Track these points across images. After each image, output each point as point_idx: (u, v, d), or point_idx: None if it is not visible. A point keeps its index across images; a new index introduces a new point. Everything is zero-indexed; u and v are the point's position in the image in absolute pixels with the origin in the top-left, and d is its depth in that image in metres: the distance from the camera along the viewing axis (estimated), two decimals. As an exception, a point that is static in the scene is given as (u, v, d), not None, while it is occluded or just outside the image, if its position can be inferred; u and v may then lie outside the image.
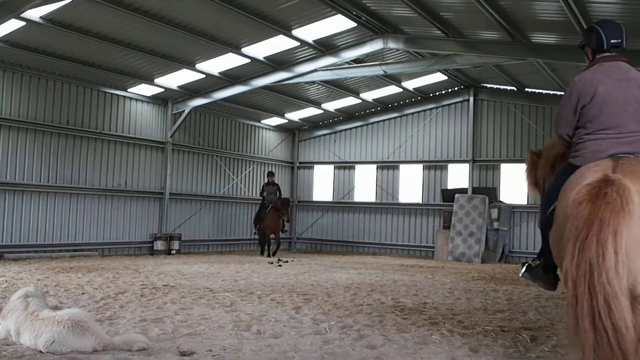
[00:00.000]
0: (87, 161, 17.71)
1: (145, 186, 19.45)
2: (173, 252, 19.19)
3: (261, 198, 20.00)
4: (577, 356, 3.35)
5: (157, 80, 18.19)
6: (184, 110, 19.88)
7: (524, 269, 5.25)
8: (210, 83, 18.77)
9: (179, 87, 18.92)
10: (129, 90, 18.72)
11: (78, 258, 16.38)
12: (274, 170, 24.65)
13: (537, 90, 20.66)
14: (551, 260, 4.51)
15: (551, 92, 20.32)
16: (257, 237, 20.60)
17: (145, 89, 18.87)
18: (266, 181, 20.62)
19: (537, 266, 5.08)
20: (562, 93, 19.48)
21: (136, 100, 19.18)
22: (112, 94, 18.37)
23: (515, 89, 20.85)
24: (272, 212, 19.16)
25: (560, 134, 4.71)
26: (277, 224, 19.24)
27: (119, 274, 12.21)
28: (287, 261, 17.27)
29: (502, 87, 21.30)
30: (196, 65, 17.18)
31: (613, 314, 3.21)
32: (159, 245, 19.04)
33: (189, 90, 19.35)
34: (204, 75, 17.91)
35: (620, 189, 3.40)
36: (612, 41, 4.65)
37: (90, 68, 16.64)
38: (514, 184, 21.14)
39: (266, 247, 19.49)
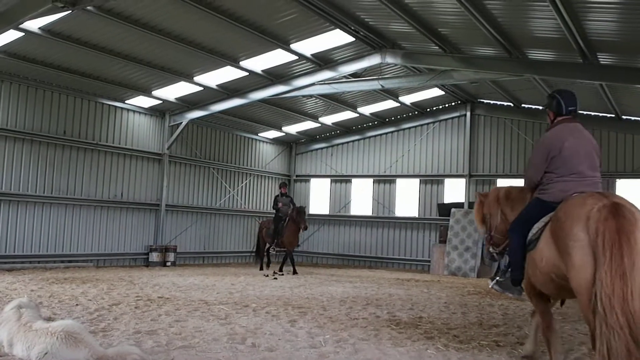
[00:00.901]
0: (83, 172, 17.69)
1: (142, 198, 19.42)
2: (168, 264, 19.13)
3: (274, 210, 18.82)
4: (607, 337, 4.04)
5: (154, 92, 18.22)
6: (181, 122, 19.91)
7: (494, 282, 6.15)
8: (208, 95, 18.81)
9: (176, 99, 18.95)
10: (126, 101, 18.74)
11: (72, 269, 16.32)
12: (271, 184, 24.71)
13: (533, 106, 20.74)
14: (520, 274, 5.59)
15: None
16: (268, 251, 18.98)
17: (142, 101, 18.90)
18: (279, 193, 19.54)
19: (506, 279, 5.97)
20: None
21: (133, 111, 19.19)
22: (109, 105, 18.39)
23: (511, 104, 20.94)
24: (291, 225, 18.06)
25: (530, 177, 5.75)
26: (296, 237, 18.21)
27: (113, 286, 12.16)
28: (282, 274, 17.22)
29: (498, 102, 21.40)
30: (194, 78, 17.22)
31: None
32: (154, 256, 18.99)
33: (187, 103, 19.38)
34: (201, 88, 17.95)
35: (628, 208, 4.48)
36: (569, 108, 5.72)
37: (88, 79, 16.67)
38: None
39: (290, 262, 18.12)
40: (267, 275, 16.54)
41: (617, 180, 19.63)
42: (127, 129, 19.03)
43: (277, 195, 19.14)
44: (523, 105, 20.88)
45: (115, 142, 18.62)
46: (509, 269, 5.86)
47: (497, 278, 6.15)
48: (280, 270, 17.82)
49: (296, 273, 17.41)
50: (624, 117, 19.28)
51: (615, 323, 4.01)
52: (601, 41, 12.37)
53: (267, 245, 18.75)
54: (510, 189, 6.48)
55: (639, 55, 12.95)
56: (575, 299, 4.87)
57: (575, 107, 5.76)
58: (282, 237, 18.04)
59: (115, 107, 18.61)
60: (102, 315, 8.19)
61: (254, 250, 20.39)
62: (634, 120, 19.32)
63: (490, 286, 6.29)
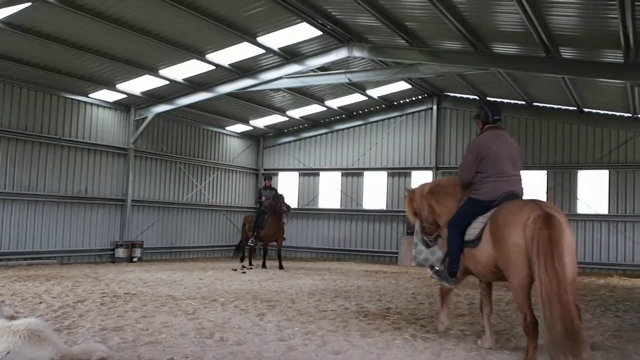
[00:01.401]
0: (46, 167, 17.36)
1: (107, 193, 19.14)
2: (135, 259, 18.91)
3: (258, 204, 18.34)
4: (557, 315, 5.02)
5: (119, 86, 17.95)
6: (147, 117, 19.66)
7: (433, 271, 6.90)
8: (174, 89, 18.61)
9: (142, 93, 18.71)
10: (90, 95, 18.42)
11: (36, 266, 16.04)
12: (239, 178, 24.58)
13: (498, 100, 21.00)
14: (457, 267, 6.47)
15: (512, 102, 20.69)
16: (250, 244, 18.32)
17: (107, 95, 18.60)
18: (263, 185, 18.83)
19: (443, 270, 6.69)
20: (523, 102, 19.96)
21: (97, 105, 18.89)
22: (72, 99, 18.06)
23: (477, 97, 21.18)
24: (272, 219, 17.31)
25: (463, 177, 6.65)
26: (277, 230, 17.48)
27: (78, 283, 11.99)
28: (251, 268, 17.19)
29: (464, 96, 21.63)
30: (160, 71, 17.01)
31: (572, 294, 5.20)
32: (121, 252, 18.75)
33: (152, 97, 19.15)
34: (167, 82, 17.75)
35: (558, 219, 5.34)
36: (495, 117, 6.69)
37: (50, 73, 16.33)
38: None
39: (263, 256, 18.03)
40: (236, 270, 16.47)
41: (578, 171, 20.02)
42: (91, 124, 18.72)
43: (261, 189, 18.62)
44: (488, 98, 21.12)
45: (79, 136, 18.30)
46: (447, 262, 6.64)
47: (436, 267, 6.94)
48: (281, 265, 17.29)
49: (265, 267, 17.24)
50: (585, 109, 19.66)
51: (557, 312, 5.00)
52: (564, 36, 12.58)
53: (250, 240, 18.23)
54: (433, 185, 7.38)
55: (599, 49, 13.22)
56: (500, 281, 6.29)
57: (500, 116, 6.71)
58: (262, 229, 17.49)
59: (79, 101, 18.28)
60: (67, 312, 8.08)
61: (237, 244, 20.15)
62: (595, 113, 19.72)
63: (429, 275, 7.08)
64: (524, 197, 6.35)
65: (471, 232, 6.22)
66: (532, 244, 5.28)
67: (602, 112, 19.61)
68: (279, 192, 18.46)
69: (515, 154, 6.57)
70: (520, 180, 6.57)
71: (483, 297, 6.79)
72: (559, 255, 5.16)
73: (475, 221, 6.22)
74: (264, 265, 17.37)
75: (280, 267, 17.19)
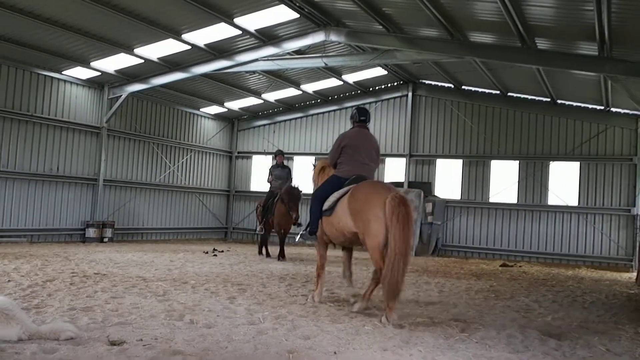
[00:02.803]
0: (17, 145, 17.04)
1: (78, 172, 18.88)
2: (106, 240, 18.75)
3: (268, 184, 16.34)
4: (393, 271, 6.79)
5: (93, 64, 17.66)
6: (120, 95, 19.38)
7: (299, 237, 8.95)
8: (149, 68, 18.36)
9: (116, 71, 18.43)
10: (63, 72, 18.09)
11: (5, 244, 15.81)
12: (213, 160, 24.41)
13: (473, 89, 21.16)
14: (316, 228, 8.24)
15: (487, 91, 20.85)
16: (259, 232, 16.50)
17: (80, 72, 18.28)
18: (274, 163, 16.57)
19: (306, 232, 8.54)
20: (498, 92, 20.12)
21: (71, 83, 18.57)
22: (45, 75, 17.72)
23: (452, 86, 21.30)
24: (280, 205, 15.16)
25: (330, 159, 8.54)
26: (287, 219, 15.07)
27: (48, 262, 11.86)
28: (222, 251, 17.14)
29: (440, 84, 21.73)
30: (135, 50, 16.76)
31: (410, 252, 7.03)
32: (91, 232, 18.57)
33: (127, 75, 18.88)
34: (142, 60, 17.49)
35: (407, 200, 7.08)
36: (361, 118, 8.50)
37: (23, 48, 15.97)
38: (449, 180, 21.65)
39: (265, 246, 16.31)
40: (207, 252, 16.42)
41: (550, 162, 20.28)
42: (63, 101, 18.40)
43: (272, 167, 16.47)
44: (464, 87, 21.26)
45: (51, 114, 17.98)
46: (309, 223, 8.41)
47: (302, 232, 8.84)
48: (281, 256, 15.32)
49: (283, 258, 15.24)
50: (559, 101, 19.89)
51: (400, 265, 6.76)
52: (539, 26, 12.68)
53: (259, 228, 16.33)
54: (323, 163, 9.17)
55: (574, 41, 13.36)
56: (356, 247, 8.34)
57: (365, 118, 8.51)
58: (272, 216, 15.50)
59: (52, 77, 17.94)
60: (36, 291, 7.99)
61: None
62: (568, 104, 19.97)
63: (296, 240, 9.21)
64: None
65: (327, 204, 7.94)
66: (391, 217, 6.86)
67: (575, 104, 19.87)
68: (294, 183, 16.05)
69: (372, 148, 8.34)
70: (372, 168, 8.35)
71: (344, 264, 8.79)
72: (409, 227, 6.84)
73: (331, 195, 7.92)
74: (281, 256, 15.33)
75: (281, 255, 15.33)
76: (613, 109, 19.31)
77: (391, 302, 6.81)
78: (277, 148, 16.96)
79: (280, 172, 16.03)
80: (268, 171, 16.37)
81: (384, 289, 6.86)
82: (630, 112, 19.02)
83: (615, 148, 19.43)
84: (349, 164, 8.14)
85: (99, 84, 19.30)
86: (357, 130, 8.41)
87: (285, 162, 16.68)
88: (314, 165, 9.74)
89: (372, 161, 8.29)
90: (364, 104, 22.96)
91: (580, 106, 19.82)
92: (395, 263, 6.72)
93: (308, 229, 8.49)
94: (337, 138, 8.54)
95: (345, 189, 7.77)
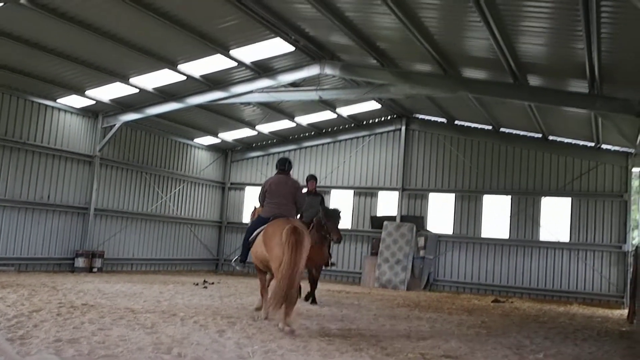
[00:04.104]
0: (8, 172, 16.95)
1: (69, 200, 18.78)
2: (95, 270, 18.55)
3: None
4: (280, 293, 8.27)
5: (88, 92, 17.70)
6: (114, 124, 19.39)
7: (234, 261, 11.04)
8: (144, 98, 18.42)
9: (111, 100, 18.47)
10: (57, 100, 18.11)
11: (-8, 273, 15.62)
12: (206, 191, 24.35)
13: (466, 123, 21.31)
14: (245, 257, 10.23)
15: (479, 126, 21.00)
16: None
17: (75, 100, 18.30)
18: (305, 190, 13.53)
19: (237, 259, 10.57)
20: (490, 127, 20.26)
21: (65, 111, 18.57)
22: (39, 103, 17.72)
23: (445, 120, 21.45)
24: (314, 235, 12.12)
25: (259, 201, 10.21)
26: (320, 252, 12.62)
27: (35, 291, 11.70)
28: (212, 283, 17.00)
29: (433, 118, 21.87)
30: (130, 80, 16.82)
31: (299, 274, 8.53)
32: (80, 262, 18.36)
33: (121, 104, 18.92)
34: (137, 90, 17.55)
35: (299, 229, 8.62)
36: (280, 168, 10.09)
37: (18, 75, 16.01)
38: (441, 214, 21.66)
39: (310, 285, 13.36)
40: (198, 284, 16.27)
41: (542, 198, 20.34)
42: (57, 129, 18.38)
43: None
44: (456, 121, 21.41)
45: (44, 142, 17.94)
46: (241, 252, 10.34)
47: (235, 258, 10.84)
48: (308, 298, 13.05)
49: (314, 302, 12.88)
50: (550, 137, 20.04)
51: (285, 284, 8.20)
52: (531, 64, 12.84)
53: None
54: (259, 208, 10.74)
55: (565, 78, 13.52)
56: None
57: (284, 167, 10.05)
58: None
59: (46, 105, 17.94)
60: (21, 322, 7.86)
61: None
62: (560, 141, 20.12)
63: (231, 263, 11.65)
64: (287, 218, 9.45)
65: (252, 237, 9.72)
66: (285, 244, 8.38)
67: (566, 140, 20.03)
68: (333, 206, 14.34)
69: (289, 191, 9.80)
70: (290, 208, 9.76)
71: (262, 284, 10.35)
72: (297, 252, 8.34)
73: (255, 231, 9.66)
74: (310, 299, 13.05)
75: (311, 298, 12.95)
76: (604, 146, 19.45)
77: (284, 308, 8.35)
78: (309, 174, 15.15)
79: (312, 200, 13.44)
80: None
81: (273, 297, 8.34)
82: (621, 149, 19.18)
83: (606, 185, 19.53)
84: (270, 206, 9.76)
85: (94, 112, 19.32)
86: (278, 177, 9.99)
87: (316, 188, 14.30)
88: (255, 207, 11.91)
89: (289, 202, 9.77)
90: (357, 137, 23.11)
91: (571, 143, 19.98)
92: (281, 280, 8.24)
93: (239, 257, 10.44)
94: (264, 183, 10.10)
95: (264, 225, 9.43)
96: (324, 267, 13.51)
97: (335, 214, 13.01)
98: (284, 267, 8.26)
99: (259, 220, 9.89)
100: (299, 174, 23.89)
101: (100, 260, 18.85)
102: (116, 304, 10.54)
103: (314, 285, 13.07)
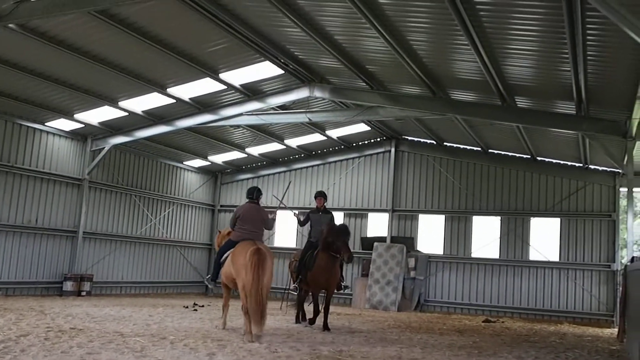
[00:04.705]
0: (-4, 195, 16.87)
1: (58, 224, 18.66)
2: (83, 293, 18.38)
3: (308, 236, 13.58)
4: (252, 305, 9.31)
5: (77, 116, 17.70)
6: (103, 147, 19.36)
7: (206, 280, 12.12)
8: (133, 121, 18.44)
9: (100, 123, 18.46)
10: (46, 124, 18.08)
11: (-21, 297, 15.44)
12: (195, 213, 24.28)
13: (455, 145, 21.45)
14: (216, 276, 11.17)
15: (468, 147, 21.14)
16: (293, 291, 14.02)
17: (63, 124, 18.29)
18: (314, 207, 13.46)
19: (209, 278, 11.66)
20: (479, 149, 20.37)
21: (53, 134, 18.53)
22: (27, 126, 17.67)
23: (434, 142, 21.58)
24: (322, 256, 12.05)
25: (230, 226, 11.06)
26: (330, 274, 12.12)
27: (22, 316, 11.57)
28: (202, 305, 16.88)
29: (422, 140, 22.01)
30: (119, 103, 16.85)
31: (264, 291, 9.49)
32: (69, 286, 18.20)
33: (110, 128, 18.92)
34: (126, 113, 17.58)
35: (262, 250, 9.73)
36: (249, 196, 11.13)
37: (6, 99, 16.00)
38: (431, 234, 21.69)
39: (313, 308, 12.55)
40: (187, 307, 16.16)
41: (531, 218, 20.44)
42: (45, 152, 18.32)
43: (310, 212, 13.43)
44: (445, 143, 21.55)
45: (32, 165, 17.88)
46: (212, 272, 11.40)
47: (207, 277, 11.91)
48: (312, 323, 12.51)
49: (326, 328, 11.98)
50: (539, 158, 20.20)
51: (253, 300, 9.26)
52: (519, 85, 13.00)
53: (292, 285, 13.83)
54: (228, 230, 11.83)
55: (553, 100, 13.69)
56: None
57: (252, 196, 11.06)
58: (310, 271, 12.36)
59: (34, 129, 17.90)
60: (8, 347, 7.76)
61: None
62: (548, 161, 20.30)
63: (204, 281, 13.73)
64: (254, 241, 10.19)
65: (222, 258, 10.74)
66: (248, 264, 9.41)
67: (554, 161, 20.21)
68: (341, 221, 13.22)
69: (258, 218, 10.70)
70: (259, 233, 10.63)
71: (225, 300, 11.67)
72: (258, 271, 9.37)
73: (225, 253, 10.67)
74: (312, 321, 12.52)
75: (325, 326, 12.04)
76: (592, 166, 19.64)
77: (255, 325, 9.27)
78: (318, 190, 14.44)
79: (322, 218, 12.89)
80: (306, 217, 13.42)
81: (252, 316, 9.30)
82: (608, 169, 19.37)
83: (595, 204, 19.68)
84: (240, 231, 10.59)
85: (82, 135, 19.29)
86: (248, 205, 10.91)
87: (325, 205, 13.47)
88: (219, 231, 12.95)
89: (258, 229, 10.68)
90: (347, 159, 23.20)
91: (559, 163, 20.15)
92: (252, 297, 9.30)
93: (210, 276, 11.57)
94: (235, 210, 11.01)
95: (233, 248, 10.34)
96: (336, 291, 12.81)
97: (343, 231, 12.23)
98: (248, 285, 9.37)
99: (229, 242, 10.80)
100: (288, 196, 23.89)
101: (88, 283, 18.69)
102: (105, 327, 10.44)
103: (324, 311, 12.26)
